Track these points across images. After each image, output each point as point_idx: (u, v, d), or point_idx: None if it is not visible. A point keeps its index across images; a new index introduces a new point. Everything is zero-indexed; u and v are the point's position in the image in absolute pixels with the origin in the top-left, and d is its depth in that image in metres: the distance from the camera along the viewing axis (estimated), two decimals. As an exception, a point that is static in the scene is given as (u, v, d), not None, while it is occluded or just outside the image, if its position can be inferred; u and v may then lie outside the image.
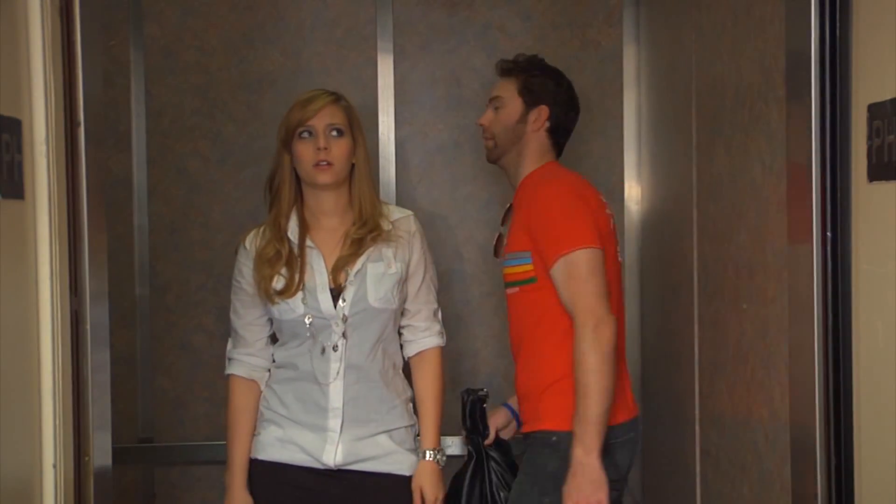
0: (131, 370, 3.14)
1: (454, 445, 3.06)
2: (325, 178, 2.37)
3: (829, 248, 1.62)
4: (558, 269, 2.37)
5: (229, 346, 2.50)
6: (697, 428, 2.48)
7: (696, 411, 2.49)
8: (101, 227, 1.80)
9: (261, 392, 2.46)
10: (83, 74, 1.72)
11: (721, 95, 2.26)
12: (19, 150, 1.55)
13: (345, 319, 2.37)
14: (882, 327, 1.48)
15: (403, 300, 2.45)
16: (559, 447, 2.33)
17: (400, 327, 2.49)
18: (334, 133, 2.38)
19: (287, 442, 2.41)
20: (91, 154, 1.75)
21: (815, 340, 1.64)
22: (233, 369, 2.46)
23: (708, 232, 2.40)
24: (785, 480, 1.84)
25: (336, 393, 2.38)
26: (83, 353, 1.73)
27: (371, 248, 2.40)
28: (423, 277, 2.47)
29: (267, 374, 2.47)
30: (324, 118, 2.38)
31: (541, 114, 2.58)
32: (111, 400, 1.86)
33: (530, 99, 2.58)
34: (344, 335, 2.37)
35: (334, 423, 2.38)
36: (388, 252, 2.41)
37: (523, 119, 2.57)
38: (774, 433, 1.93)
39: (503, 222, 2.65)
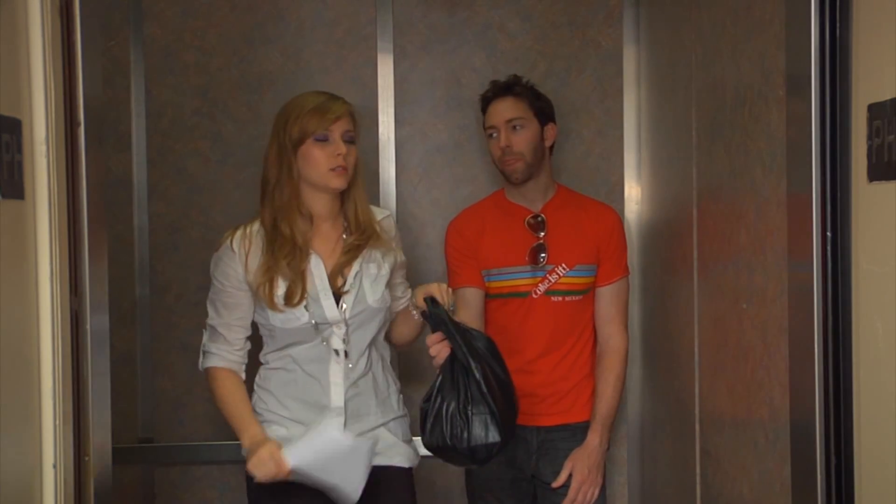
0: (131, 370, 3.14)
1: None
2: (340, 182, 2.41)
3: (829, 248, 1.63)
4: (615, 287, 2.84)
5: (205, 339, 2.48)
6: (697, 428, 2.48)
7: (696, 411, 2.49)
8: (101, 227, 1.80)
9: (242, 379, 2.47)
10: (83, 74, 1.72)
11: (721, 95, 2.26)
12: (19, 150, 1.55)
13: (346, 322, 2.41)
14: (882, 327, 1.48)
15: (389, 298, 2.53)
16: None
17: None
18: (348, 140, 2.43)
19: (290, 441, 2.39)
20: (91, 154, 1.75)
21: (815, 340, 1.64)
22: (212, 362, 2.46)
23: (708, 232, 2.40)
24: (785, 480, 1.84)
25: (337, 393, 2.41)
26: (83, 353, 1.73)
27: (365, 251, 2.46)
28: (404, 274, 2.58)
29: (243, 368, 2.48)
30: (341, 125, 2.42)
31: (551, 132, 2.86)
32: (111, 400, 1.86)
33: (543, 118, 2.83)
34: (345, 337, 2.41)
35: (337, 421, 2.40)
36: (377, 254, 2.48)
37: (541, 137, 2.81)
38: (774, 433, 1.93)
39: (535, 231, 2.81)
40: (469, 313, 2.79)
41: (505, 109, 2.79)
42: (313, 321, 2.39)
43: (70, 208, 1.70)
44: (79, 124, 1.72)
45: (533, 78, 2.99)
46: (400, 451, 2.49)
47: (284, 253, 2.39)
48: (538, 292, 2.79)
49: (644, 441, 3.16)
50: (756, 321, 2.03)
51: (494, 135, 2.80)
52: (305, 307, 2.39)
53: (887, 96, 1.44)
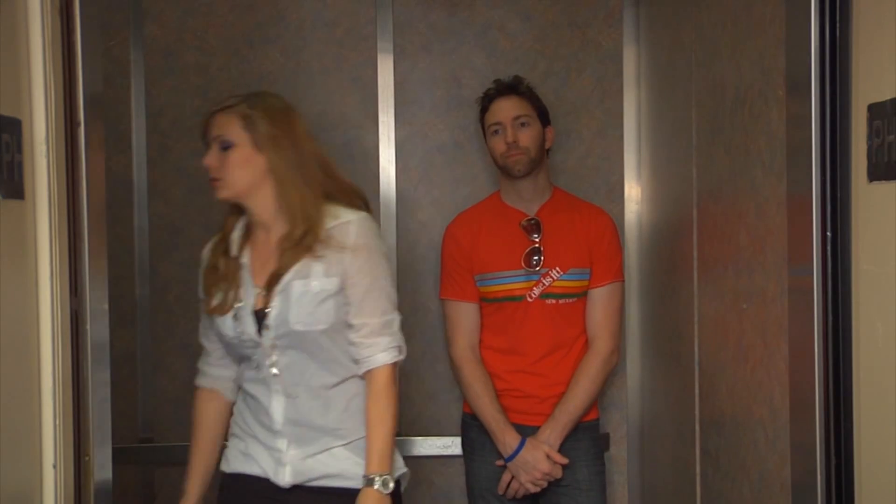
0: (131, 370, 3.14)
1: (454, 445, 3.07)
2: (217, 194, 2.26)
3: (829, 248, 1.62)
4: (605, 291, 2.82)
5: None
6: (697, 428, 2.48)
7: (696, 411, 2.49)
8: (101, 227, 1.80)
9: (225, 402, 2.39)
10: (83, 74, 1.72)
11: (721, 95, 2.26)
12: (19, 150, 1.55)
13: (273, 343, 2.22)
14: (882, 327, 1.48)
15: (342, 315, 2.22)
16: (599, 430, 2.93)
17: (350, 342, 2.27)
18: (222, 146, 2.23)
19: (248, 455, 2.32)
20: (91, 154, 1.75)
21: (815, 340, 1.64)
22: (198, 380, 2.40)
23: (708, 232, 2.40)
24: (785, 480, 1.84)
25: (277, 414, 2.25)
26: (83, 354, 1.73)
27: (299, 265, 2.20)
28: (367, 288, 2.21)
29: (230, 383, 2.38)
30: (212, 130, 2.26)
31: (550, 134, 2.88)
32: (111, 400, 1.86)
33: (544, 119, 2.86)
34: (275, 357, 2.23)
35: (281, 443, 2.26)
36: (317, 267, 2.20)
37: (543, 137, 2.84)
38: (774, 433, 1.93)
39: (529, 234, 2.82)
40: (462, 326, 2.82)
41: (511, 107, 2.80)
42: (235, 335, 2.24)
43: (70, 208, 1.70)
44: (79, 124, 1.72)
45: (533, 78, 3.00)
46: (358, 472, 2.24)
47: (220, 263, 2.28)
48: (533, 296, 2.80)
49: (644, 441, 3.16)
50: (756, 321, 2.03)
51: (499, 131, 2.80)
52: (234, 318, 2.24)
53: (887, 96, 1.43)
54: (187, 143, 3.16)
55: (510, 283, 2.81)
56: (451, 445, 3.10)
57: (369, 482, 2.19)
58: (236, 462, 2.34)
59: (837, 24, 1.60)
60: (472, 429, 2.89)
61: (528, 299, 2.80)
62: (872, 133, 1.47)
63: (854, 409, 1.58)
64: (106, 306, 1.84)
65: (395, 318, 2.27)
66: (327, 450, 2.26)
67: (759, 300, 2.01)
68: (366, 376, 2.25)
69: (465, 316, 2.84)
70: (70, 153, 1.71)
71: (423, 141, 3.20)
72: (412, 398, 3.17)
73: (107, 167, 2.98)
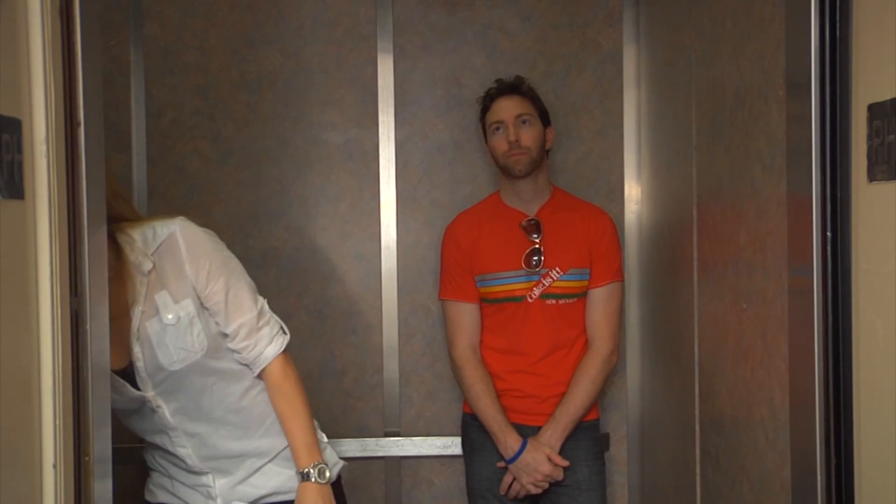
0: (131, 370, 3.14)
1: (454, 445, 3.07)
2: None
3: (829, 248, 1.62)
4: (604, 291, 2.83)
5: None
6: (697, 428, 2.48)
7: (696, 411, 2.49)
8: (101, 227, 1.79)
9: None
10: (83, 74, 1.72)
11: (721, 95, 2.26)
12: (19, 150, 1.54)
13: (155, 393, 2.08)
14: (882, 327, 1.48)
15: (213, 330, 2.09)
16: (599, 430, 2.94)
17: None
18: None
19: (175, 493, 2.23)
20: (91, 154, 1.74)
21: (815, 340, 1.64)
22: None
23: (708, 232, 2.40)
24: (785, 480, 1.84)
25: (190, 458, 2.15)
26: (83, 353, 1.73)
27: (140, 308, 2.02)
28: (225, 290, 2.07)
29: None
30: None
31: (550, 135, 2.89)
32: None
33: (545, 120, 2.87)
34: (163, 404, 2.10)
35: (206, 479, 2.17)
36: (162, 299, 2.03)
37: (544, 138, 2.85)
38: (774, 433, 1.93)
39: (529, 234, 2.83)
40: (463, 327, 2.83)
41: (513, 106, 2.81)
42: (124, 397, 2.06)
43: (70, 208, 1.70)
44: (79, 124, 1.71)
45: (533, 78, 3.00)
46: (295, 484, 2.17)
47: None
48: (533, 296, 2.80)
49: (644, 441, 3.16)
50: (756, 321, 2.03)
51: (501, 129, 2.81)
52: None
53: (887, 96, 1.43)
54: (187, 143, 3.16)
55: (510, 283, 2.81)
56: (451, 445, 3.10)
57: (304, 477, 2.12)
58: (162, 494, 2.24)
59: (837, 24, 1.60)
60: (472, 429, 2.89)
61: (529, 300, 2.80)
62: (872, 133, 1.47)
63: (854, 409, 1.58)
64: (106, 306, 1.83)
65: (263, 302, 2.15)
66: (256, 470, 2.19)
67: (759, 300, 2.01)
68: (261, 375, 2.15)
69: (465, 316, 2.84)
70: (70, 153, 1.70)
71: (423, 141, 3.20)
72: (412, 398, 3.17)
73: (106, 167, 3.00)
